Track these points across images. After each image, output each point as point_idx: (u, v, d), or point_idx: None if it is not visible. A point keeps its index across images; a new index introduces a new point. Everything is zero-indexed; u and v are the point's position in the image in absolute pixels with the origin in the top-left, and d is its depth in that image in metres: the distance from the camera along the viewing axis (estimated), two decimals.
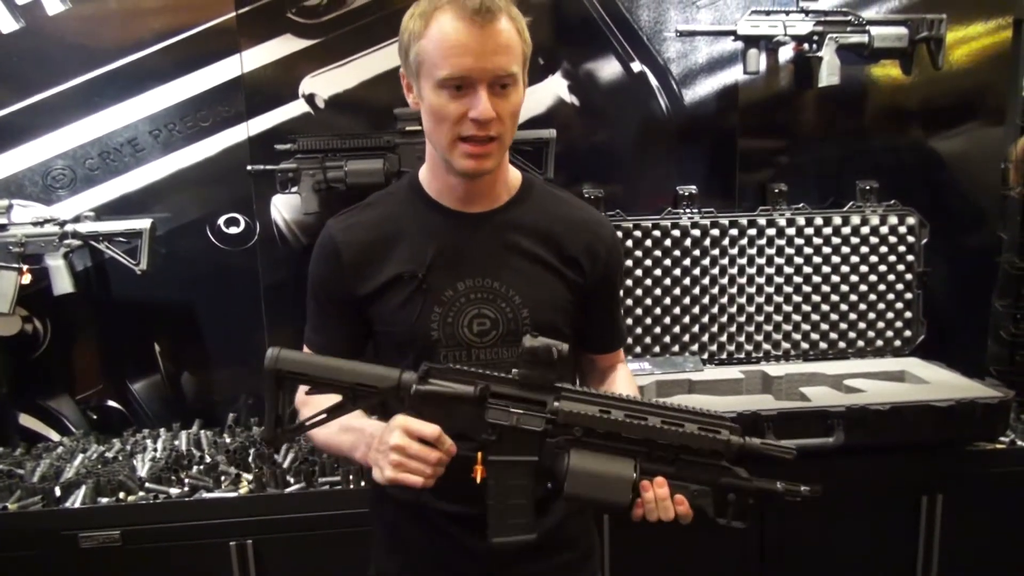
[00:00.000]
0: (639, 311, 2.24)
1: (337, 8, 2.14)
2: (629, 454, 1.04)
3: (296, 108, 2.17)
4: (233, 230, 2.21)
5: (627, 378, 1.34)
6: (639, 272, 2.23)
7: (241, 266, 2.20)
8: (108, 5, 2.11)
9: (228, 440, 2.12)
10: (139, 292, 2.19)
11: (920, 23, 2.21)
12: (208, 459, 2.00)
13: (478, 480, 1.04)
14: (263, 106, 2.16)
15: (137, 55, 2.13)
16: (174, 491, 1.84)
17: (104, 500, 1.82)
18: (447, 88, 1.07)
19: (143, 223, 2.10)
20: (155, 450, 2.06)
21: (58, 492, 1.83)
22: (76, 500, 1.81)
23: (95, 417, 2.26)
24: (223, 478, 1.90)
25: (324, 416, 1.06)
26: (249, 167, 2.12)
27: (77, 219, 2.10)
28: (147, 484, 1.86)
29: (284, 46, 2.15)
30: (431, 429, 1.02)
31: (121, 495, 1.83)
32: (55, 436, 2.23)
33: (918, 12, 2.22)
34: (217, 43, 2.14)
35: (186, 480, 1.87)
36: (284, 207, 2.19)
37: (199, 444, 2.11)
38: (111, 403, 2.26)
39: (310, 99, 2.16)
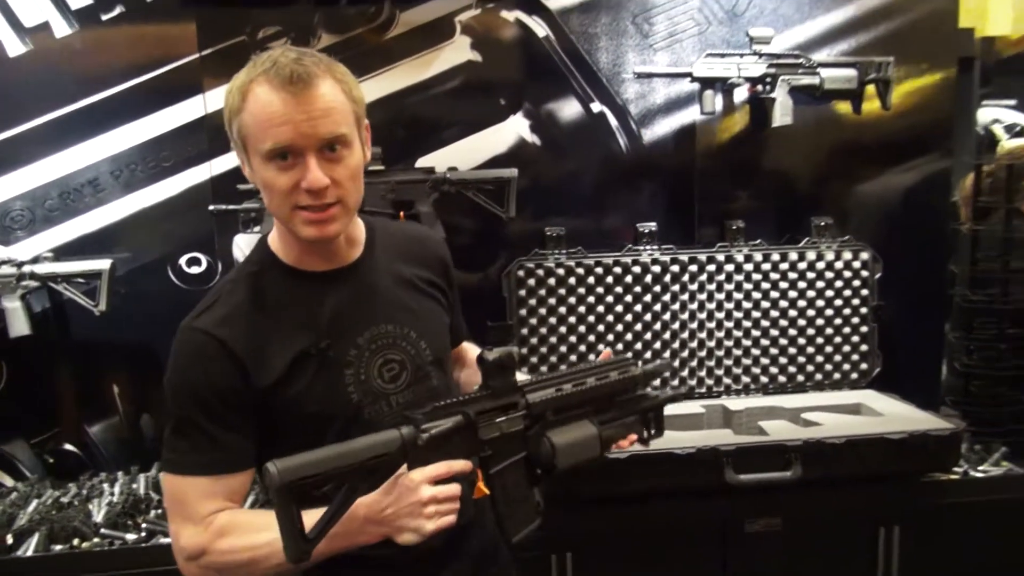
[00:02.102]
0: (601, 347, 2.26)
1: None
2: (584, 415, 1.18)
3: None
4: (195, 269, 2.21)
5: (475, 348, 1.44)
6: (600, 309, 2.26)
7: None
8: (70, 46, 2.12)
9: None
10: (98, 333, 2.17)
11: (869, 65, 2.29)
12: None
13: (476, 496, 1.09)
14: (226, 146, 2.16)
15: (99, 96, 2.14)
16: (130, 537, 1.82)
17: (58, 547, 1.79)
18: (274, 160, 1.05)
19: (102, 264, 2.10)
20: (112, 494, 2.03)
21: (10, 540, 1.79)
22: (28, 548, 1.77)
23: (51, 461, 2.22)
24: None
25: (336, 509, 0.97)
26: (211, 207, 2.12)
27: (35, 260, 2.09)
28: (103, 530, 1.84)
29: None
30: (447, 467, 1.04)
31: (76, 542, 1.80)
32: (8, 482, 2.19)
33: (866, 55, 2.31)
34: (181, 84, 2.15)
35: (143, 525, 1.85)
36: (246, 246, 2.19)
37: (157, 487, 2.08)
38: (68, 447, 2.23)
39: None
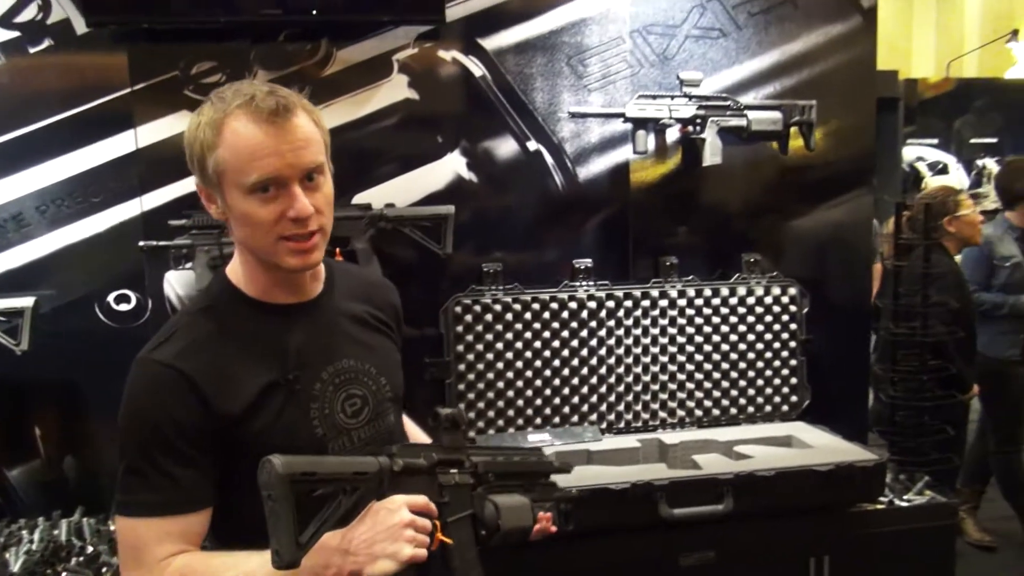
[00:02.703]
0: (539, 382, 2.28)
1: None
2: (515, 488, 1.21)
3: (192, 184, 2.13)
4: (123, 307, 2.16)
5: (411, 421, 1.44)
6: (538, 344, 2.28)
7: (131, 344, 2.12)
8: None
9: (112, 527, 2.03)
10: (19, 373, 2.10)
11: (793, 108, 2.39)
12: (90, 549, 1.91)
13: (435, 547, 1.06)
14: (158, 181, 2.15)
15: (26, 129, 2.10)
16: None
17: None
18: (256, 193, 1.05)
19: (25, 301, 2.04)
20: (31, 542, 1.95)
21: None
22: None
23: None
24: (104, 570, 1.82)
25: (329, 515, 0.96)
26: (141, 243, 2.09)
27: None
28: None
29: (181, 122, 2.14)
30: (425, 499, 1.04)
31: None
32: None
33: (791, 98, 2.41)
34: (111, 118, 2.12)
35: (63, 574, 1.78)
36: (178, 283, 2.16)
37: (80, 533, 2.01)
38: None
39: None
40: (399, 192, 2.24)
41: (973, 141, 6.30)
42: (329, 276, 1.24)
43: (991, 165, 5.86)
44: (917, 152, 6.15)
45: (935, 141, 6.27)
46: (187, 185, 2.15)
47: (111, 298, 2.15)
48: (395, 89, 2.25)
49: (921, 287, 2.64)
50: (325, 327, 1.20)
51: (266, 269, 1.13)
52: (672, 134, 2.38)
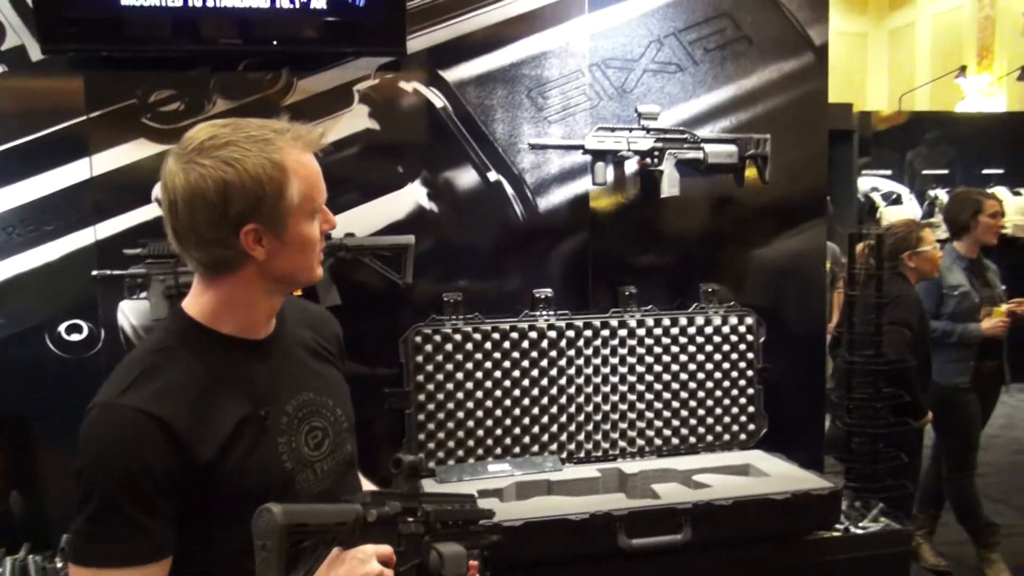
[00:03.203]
0: (499, 412, 2.29)
1: (195, 114, 2.16)
2: (454, 537, 1.21)
3: (148, 212, 2.14)
4: (75, 337, 2.12)
5: None
6: (498, 373, 2.28)
7: (83, 375, 2.10)
8: None
9: (60, 565, 1.97)
10: None
11: (748, 141, 2.44)
12: None
13: None
14: (112, 210, 2.12)
15: None
16: None
17: None
18: (314, 216, 1.13)
19: None
20: None
21: None
22: None
23: None
24: None
25: (313, 564, 0.97)
26: (95, 272, 2.06)
27: None
28: None
29: (137, 150, 2.13)
30: (390, 551, 1.06)
31: None
32: None
33: (746, 132, 2.46)
34: (66, 146, 2.09)
35: None
36: (132, 313, 2.13)
37: (26, 571, 1.95)
38: None
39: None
40: (359, 221, 2.24)
41: (925, 172, 6.48)
42: (281, 310, 1.24)
43: (942, 196, 6.02)
44: (872, 183, 6.32)
45: (888, 172, 6.45)
46: (143, 214, 2.13)
47: (62, 328, 2.11)
48: (356, 119, 2.26)
49: (875, 316, 2.70)
50: (286, 360, 1.20)
51: (262, 304, 1.15)
52: (631, 166, 2.42)
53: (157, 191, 2.12)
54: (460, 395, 2.26)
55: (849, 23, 10.03)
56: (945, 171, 6.46)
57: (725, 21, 2.47)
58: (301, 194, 1.10)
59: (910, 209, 5.93)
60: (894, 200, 6.23)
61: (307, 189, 1.11)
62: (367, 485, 1.39)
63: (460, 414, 2.26)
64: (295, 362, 1.22)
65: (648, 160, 2.38)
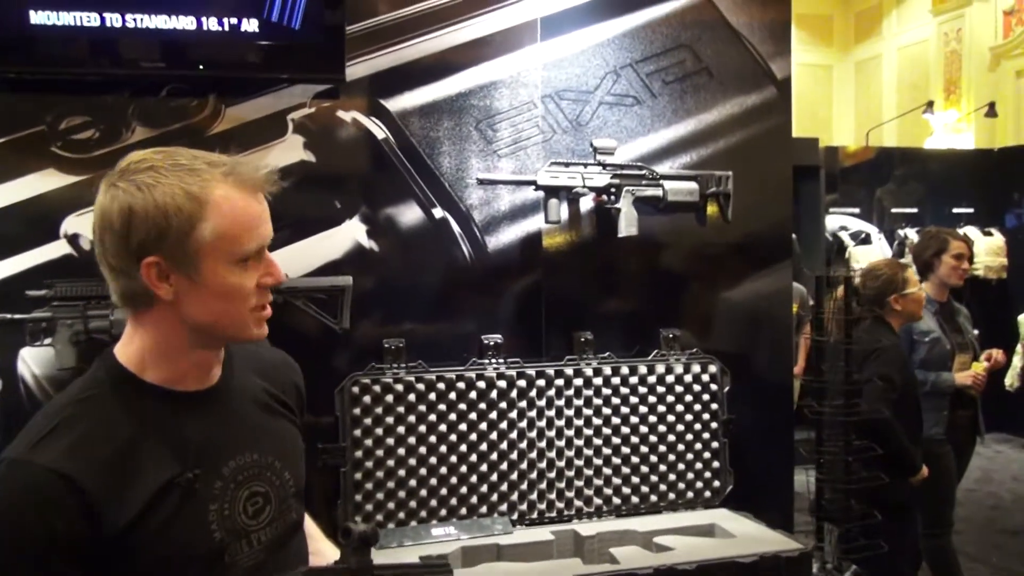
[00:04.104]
0: (444, 470, 2.27)
1: (111, 143, 2.14)
2: None
3: (56, 249, 2.10)
4: None
5: (313, 523, 1.42)
6: (443, 427, 2.27)
7: None
8: None
9: None
10: None
11: (709, 179, 2.51)
12: None
13: None
14: (15, 247, 2.08)
15: None
16: None
17: None
18: (242, 263, 1.10)
19: None
20: None
21: None
22: None
23: None
24: None
25: None
26: None
27: None
28: None
29: (45, 181, 2.10)
30: None
31: None
32: None
33: (707, 168, 2.54)
34: None
35: None
36: (34, 361, 2.07)
37: None
38: None
39: (73, 240, 2.10)
40: (293, 261, 2.23)
41: (895, 211, 6.69)
42: (228, 356, 1.23)
43: (912, 235, 6.20)
44: (840, 221, 6.50)
45: (857, 210, 6.65)
46: (49, 251, 2.09)
47: None
48: (290, 150, 2.26)
49: (845, 363, 2.77)
50: (228, 416, 1.18)
51: (188, 352, 1.13)
52: (586, 203, 2.46)
53: (66, 226, 2.10)
54: (401, 451, 2.24)
55: (814, 55, 10.42)
56: (915, 209, 6.67)
57: (684, 53, 2.55)
58: (218, 233, 1.07)
59: (879, 249, 6.11)
60: (863, 240, 6.40)
61: (230, 230, 1.08)
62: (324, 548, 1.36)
63: (401, 472, 2.24)
64: (239, 418, 1.20)
65: (604, 197, 2.43)
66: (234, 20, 2.10)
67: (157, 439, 1.09)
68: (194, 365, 1.15)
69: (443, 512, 2.27)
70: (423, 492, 2.25)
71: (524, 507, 2.34)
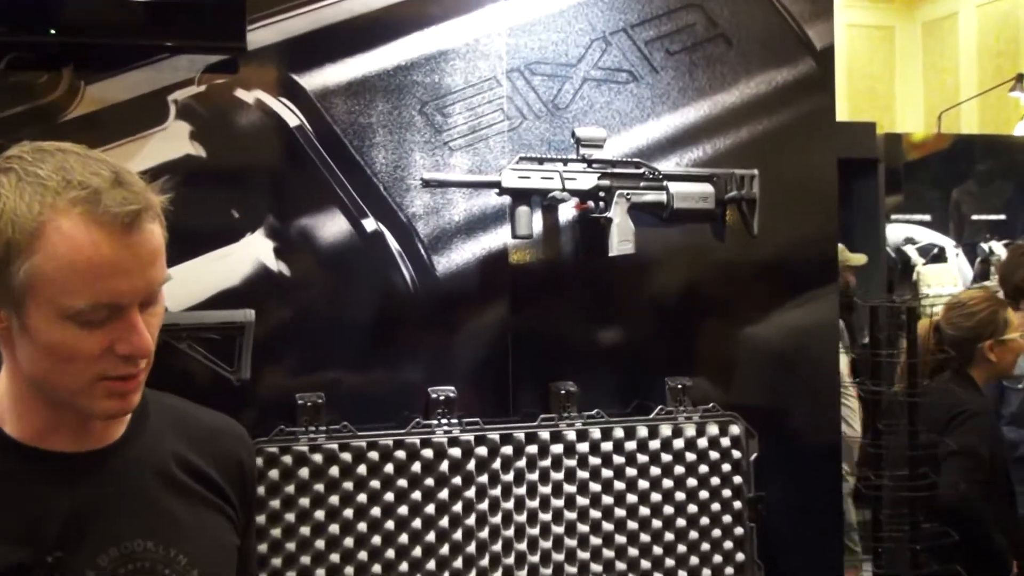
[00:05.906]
0: (377, 568, 2.25)
1: None
2: None
3: None
4: None
5: None
6: (376, 511, 2.25)
7: None
8: None
9: None
10: None
11: (728, 179, 2.53)
12: None
13: None
14: None
15: None
16: None
17: None
18: (75, 318, 1.07)
19: None
20: None
21: None
22: None
23: None
24: None
25: None
26: None
27: None
28: None
29: None
30: None
31: None
32: None
33: (726, 166, 2.55)
34: None
35: None
36: None
37: None
38: None
39: None
40: (175, 290, 2.20)
41: (975, 217, 6.71)
42: (140, 414, 1.23)
43: (999, 250, 6.20)
44: (904, 231, 6.53)
45: (927, 217, 6.68)
46: None
47: None
48: (171, 141, 2.25)
49: (909, 422, 2.78)
50: (116, 490, 1.18)
51: (50, 405, 1.14)
52: (567, 211, 2.47)
53: None
54: (320, 543, 2.22)
55: (870, 14, 10.51)
56: (1002, 216, 6.70)
57: (695, 14, 2.58)
58: (39, 277, 1.06)
59: (956, 269, 6.14)
60: (935, 256, 6.41)
61: (60, 277, 1.06)
62: None
63: (320, 571, 2.22)
64: (135, 493, 1.20)
65: (591, 204, 2.43)
66: None
67: (12, 510, 1.11)
68: (61, 422, 1.16)
69: None
70: None
71: None
